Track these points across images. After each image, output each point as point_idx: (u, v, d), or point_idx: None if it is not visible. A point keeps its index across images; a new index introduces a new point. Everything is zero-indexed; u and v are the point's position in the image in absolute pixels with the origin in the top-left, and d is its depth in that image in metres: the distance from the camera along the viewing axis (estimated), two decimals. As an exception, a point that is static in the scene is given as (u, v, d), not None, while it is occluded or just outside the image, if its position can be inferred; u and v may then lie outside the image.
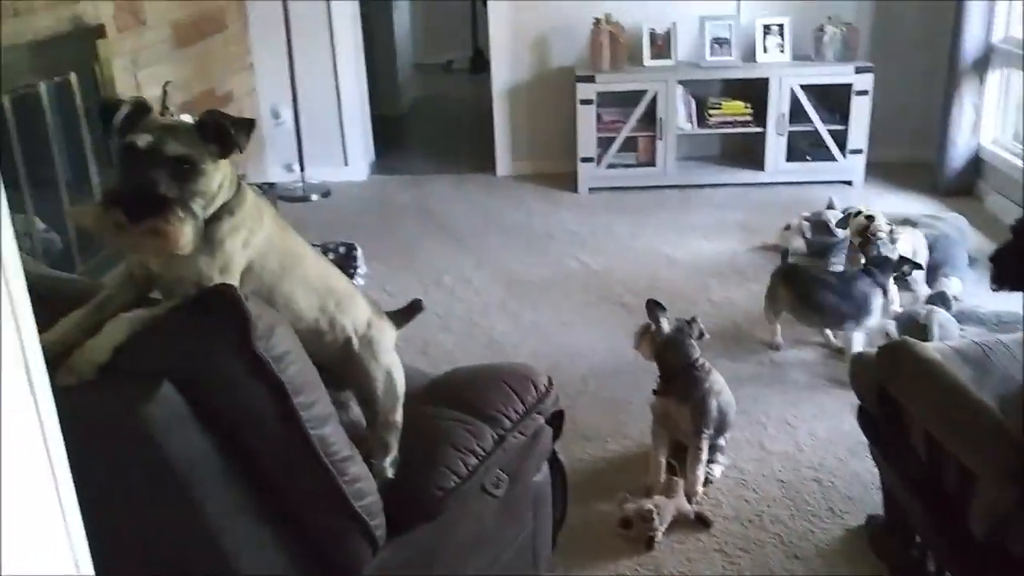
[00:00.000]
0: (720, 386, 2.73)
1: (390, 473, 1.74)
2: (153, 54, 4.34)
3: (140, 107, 1.39)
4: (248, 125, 1.43)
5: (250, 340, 1.30)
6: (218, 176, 1.42)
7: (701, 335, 2.73)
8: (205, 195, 1.37)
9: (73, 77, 3.64)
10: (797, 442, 2.95)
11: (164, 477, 1.30)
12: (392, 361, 1.72)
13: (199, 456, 1.32)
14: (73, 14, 3.64)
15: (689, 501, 2.59)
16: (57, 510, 0.89)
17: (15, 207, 3.22)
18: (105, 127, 1.36)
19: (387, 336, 1.72)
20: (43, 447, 0.86)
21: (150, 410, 1.23)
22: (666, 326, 2.68)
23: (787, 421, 3.07)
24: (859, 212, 3.66)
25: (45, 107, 3.45)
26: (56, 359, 1.27)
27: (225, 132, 1.40)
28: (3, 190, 0.81)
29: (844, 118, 5.30)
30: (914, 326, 3.34)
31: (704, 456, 2.68)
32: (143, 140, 1.32)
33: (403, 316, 1.85)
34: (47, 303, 1.42)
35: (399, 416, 1.74)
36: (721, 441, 2.80)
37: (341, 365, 1.65)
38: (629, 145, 5.46)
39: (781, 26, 5.36)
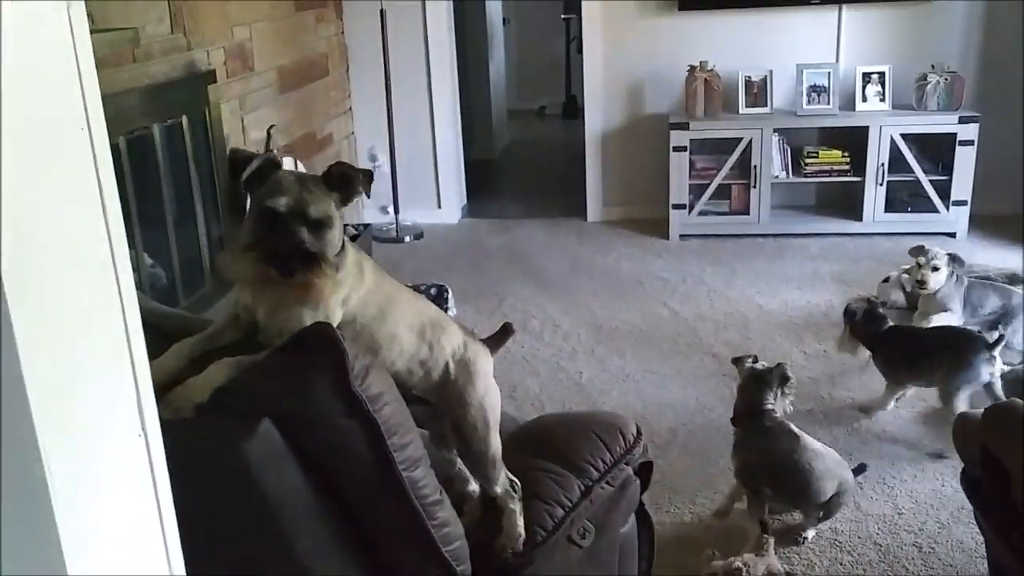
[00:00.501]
0: (810, 453, 2.63)
1: (513, 505, 1.72)
2: (259, 98, 4.51)
3: (269, 164, 1.46)
4: (369, 174, 1.51)
5: (347, 378, 1.33)
6: (341, 224, 1.49)
7: (785, 379, 2.69)
8: (335, 245, 1.45)
9: (184, 120, 3.80)
10: (895, 504, 2.84)
11: (259, 512, 1.32)
12: (488, 386, 1.71)
13: (293, 493, 1.34)
14: (187, 60, 3.82)
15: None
16: (159, 539, 0.91)
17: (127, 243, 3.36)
18: (233, 177, 1.44)
19: (482, 360, 1.72)
20: (150, 476, 0.89)
21: (250, 446, 1.26)
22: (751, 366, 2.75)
23: (885, 482, 2.95)
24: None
25: (157, 148, 3.61)
26: (161, 388, 1.32)
27: (351, 181, 1.48)
28: (123, 227, 0.85)
29: (947, 168, 5.16)
30: (1020, 385, 3.19)
31: (754, 505, 2.64)
32: (284, 204, 1.40)
33: (495, 341, 1.85)
34: (154, 335, 1.48)
35: (495, 442, 1.72)
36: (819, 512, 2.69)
37: (439, 393, 1.66)
38: (722, 193, 5.42)
39: (882, 74, 5.27)
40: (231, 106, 4.21)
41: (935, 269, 3.66)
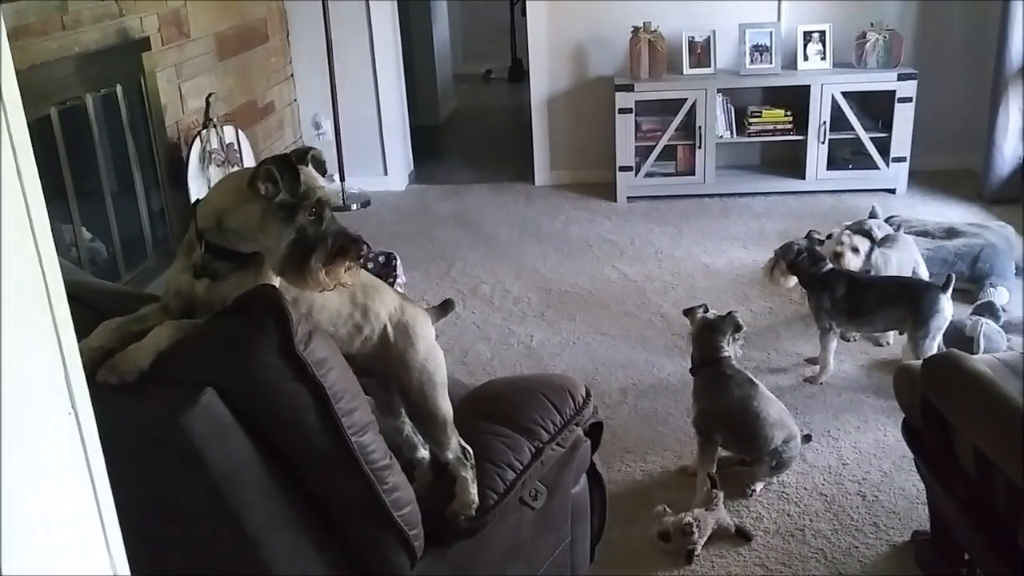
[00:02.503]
0: (765, 400, 2.70)
1: (465, 472, 1.73)
2: (196, 66, 4.41)
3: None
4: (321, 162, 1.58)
5: (292, 342, 1.31)
6: None
7: (738, 328, 2.77)
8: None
9: (119, 89, 3.70)
10: (840, 455, 2.90)
11: (205, 485, 1.31)
12: (430, 348, 1.71)
13: (240, 465, 1.33)
14: (120, 27, 3.71)
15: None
16: (95, 517, 0.89)
17: (62, 217, 3.28)
18: (288, 189, 1.43)
19: (421, 323, 1.71)
20: (82, 454, 0.86)
21: (193, 417, 1.24)
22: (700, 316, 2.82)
23: (830, 433, 3.02)
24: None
25: (91, 119, 3.51)
26: (89, 367, 1.29)
27: (323, 168, 1.55)
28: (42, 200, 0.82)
29: (887, 126, 5.23)
30: (960, 337, 3.28)
31: (705, 453, 2.70)
32: (324, 192, 1.48)
33: (435, 313, 1.85)
34: (92, 310, 1.44)
35: (444, 405, 1.72)
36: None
37: (382, 361, 1.65)
38: (668, 154, 5.44)
39: (823, 33, 5.31)
40: (167, 74, 4.11)
41: (855, 251, 3.56)
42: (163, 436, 1.28)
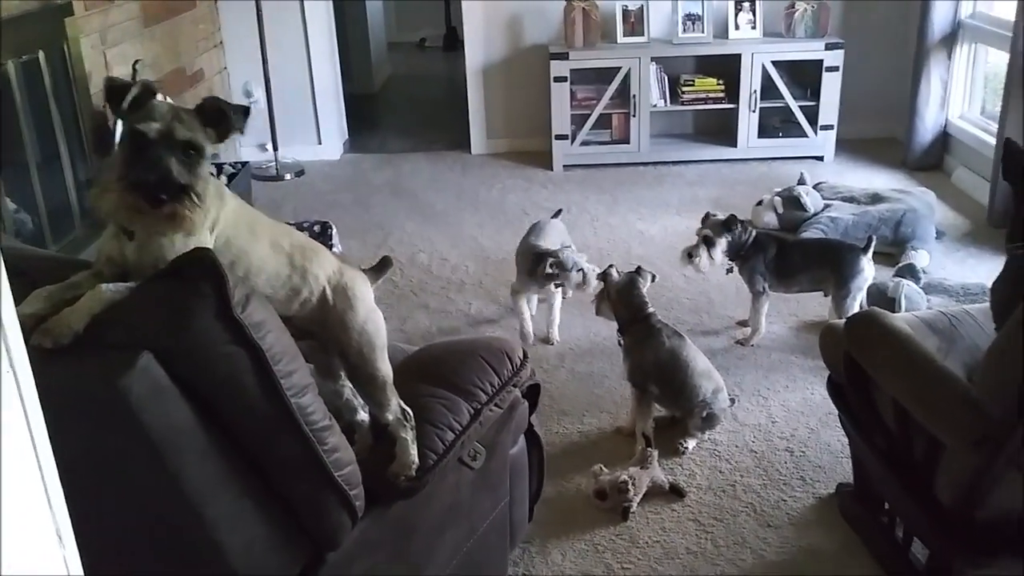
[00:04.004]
0: (692, 351, 2.83)
1: (405, 433, 1.74)
2: (121, 32, 4.29)
3: (147, 90, 1.42)
4: (245, 110, 1.49)
5: (229, 304, 1.31)
6: (209, 160, 1.46)
7: (653, 278, 2.92)
8: (207, 178, 1.43)
9: (41, 56, 3.60)
10: (769, 413, 3.00)
11: (144, 449, 1.30)
12: (369, 310, 1.72)
13: (179, 428, 1.33)
14: (40, -9, 3.60)
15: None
16: (39, 483, 0.89)
17: (-15, 187, 3.18)
18: (112, 108, 1.39)
19: (360, 285, 1.72)
20: (24, 421, 0.86)
21: (130, 381, 1.24)
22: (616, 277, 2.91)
23: (759, 393, 3.11)
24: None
25: (13, 86, 3.41)
26: (26, 332, 1.28)
27: (224, 116, 1.45)
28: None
29: (815, 94, 5.35)
30: (882, 298, 3.40)
31: (642, 408, 2.81)
32: (154, 129, 1.37)
33: (374, 273, 1.86)
34: (23, 277, 1.42)
35: (384, 367, 1.73)
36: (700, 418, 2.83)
37: (321, 324, 1.66)
38: (603, 122, 5.48)
39: (753, 2, 5.39)
40: (91, 40, 4.00)
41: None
42: (100, 400, 1.27)
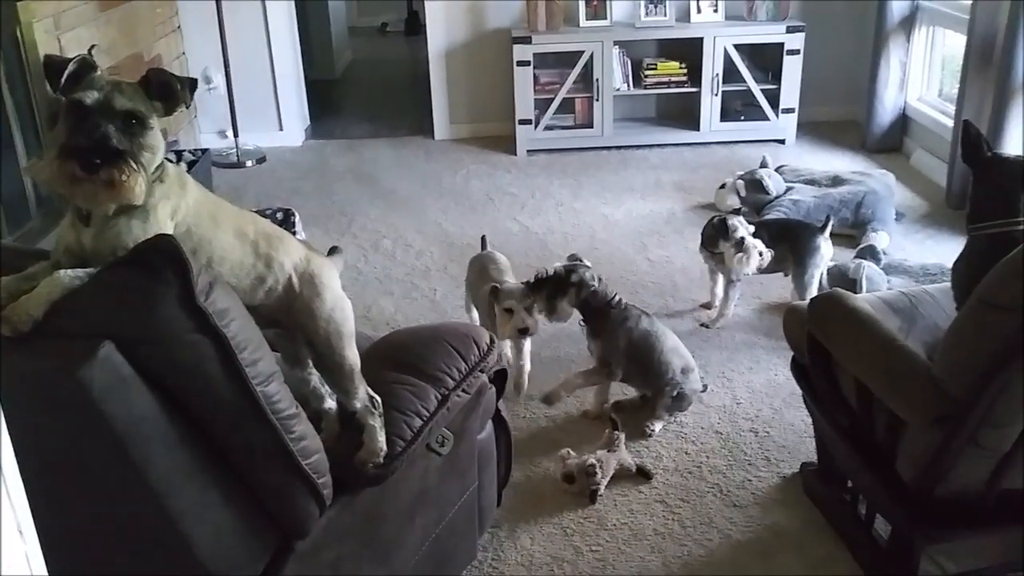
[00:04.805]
0: (660, 329, 2.86)
1: (373, 420, 1.74)
2: (76, 16, 4.20)
3: (85, 65, 1.39)
4: (192, 82, 1.45)
5: (192, 292, 1.30)
6: (160, 135, 1.43)
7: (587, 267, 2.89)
8: (152, 149, 1.40)
9: (-8, 41, 3.51)
10: (734, 395, 3.03)
11: (106, 441, 1.28)
12: (336, 297, 1.70)
13: (142, 419, 1.31)
14: (-10, -26, 3.51)
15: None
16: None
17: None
18: (51, 85, 1.37)
19: (327, 272, 1.70)
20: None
21: (91, 371, 1.21)
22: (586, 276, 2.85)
23: (724, 375, 3.14)
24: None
25: (-36, 72, 3.33)
26: None
27: (170, 88, 1.42)
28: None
29: (776, 78, 5.39)
30: (843, 279, 3.44)
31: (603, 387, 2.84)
32: (91, 97, 1.34)
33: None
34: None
35: (351, 354, 1.72)
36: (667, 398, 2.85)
37: (287, 312, 1.64)
38: (567, 107, 5.48)
39: (714, -14, 5.40)
40: (45, 25, 3.91)
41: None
42: (61, 391, 1.25)
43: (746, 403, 2.98)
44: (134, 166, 1.33)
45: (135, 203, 1.36)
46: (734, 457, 2.72)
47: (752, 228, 3.32)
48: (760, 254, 3.26)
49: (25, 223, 3.69)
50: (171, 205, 1.43)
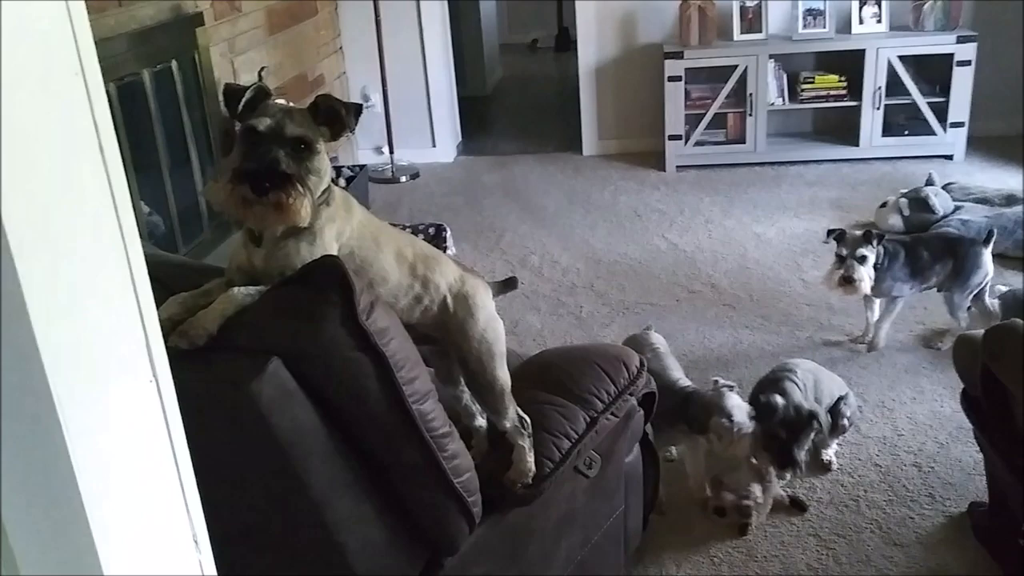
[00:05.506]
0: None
1: (523, 440, 1.75)
2: (248, 40, 4.45)
3: (261, 92, 1.47)
4: (357, 108, 1.50)
5: (355, 312, 1.34)
6: (327, 159, 1.49)
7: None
8: (319, 173, 1.46)
9: (174, 64, 3.76)
10: (895, 426, 2.88)
11: (271, 451, 1.34)
12: (489, 318, 1.72)
13: (305, 432, 1.36)
14: (174, 3, 3.76)
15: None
16: (178, 490, 0.92)
17: (121, 191, 3.34)
18: (229, 111, 1.45)
19: (481, 294, 1.72)
20: (164, 424, 0.89)
21: (259, 386, 1.27)
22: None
23: (884, 404, 2.99)
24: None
25: (148, 94, 3.57)
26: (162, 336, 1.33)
27: (336, 114, 1.47)
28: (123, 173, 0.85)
29: (944, 90, 5.11)
30: (1018, 306, 3.22)
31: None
32: (264, 123, 1.41)
33: (497, 287, 1.86)
34: (158, 283, 1.48)
35: (503, 374, 1.74)
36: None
37: (442, 330, 1.67)
38: (718, 122, 5.38)
39: (878, -4, 5.19)
40: (220, 49, 4.15)
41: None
42: (230, 404, 1.31)
43: (908, 435, 2.83)
44: (301, 189, 1.39)
45: (301, 225, 1.41)
46: (894, 492, 2.58)
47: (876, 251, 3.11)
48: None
49: (198, 235, 3.92)
50: (337, 227, 1.48)
